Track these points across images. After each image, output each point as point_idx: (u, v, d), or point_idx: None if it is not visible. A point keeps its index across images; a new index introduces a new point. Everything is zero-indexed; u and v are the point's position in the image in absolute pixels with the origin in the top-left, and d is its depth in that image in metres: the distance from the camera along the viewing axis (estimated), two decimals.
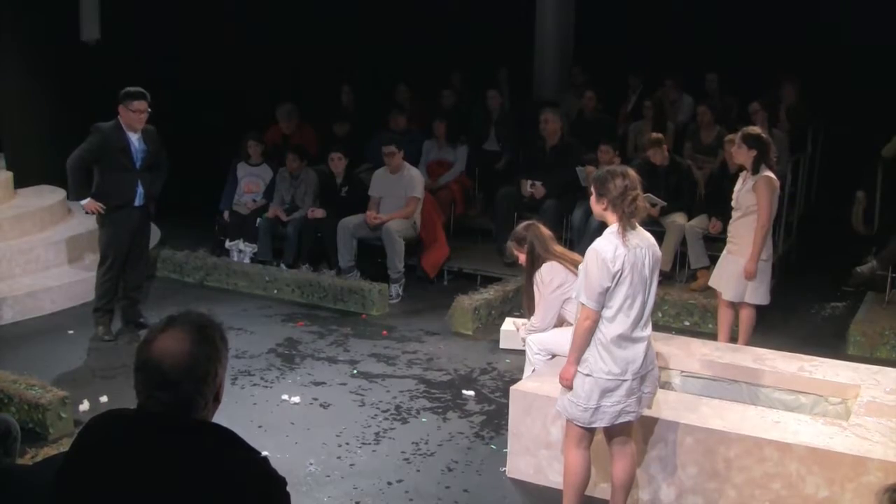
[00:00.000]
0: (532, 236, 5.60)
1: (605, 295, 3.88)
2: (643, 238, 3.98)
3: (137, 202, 6.71)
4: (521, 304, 6.14)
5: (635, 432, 4.46)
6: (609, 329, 3.92)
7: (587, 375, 3.97)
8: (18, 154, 9.31)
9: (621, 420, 4.03)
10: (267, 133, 9.77)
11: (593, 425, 4.05)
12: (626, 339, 3.93)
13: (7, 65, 9.28)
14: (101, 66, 9.48)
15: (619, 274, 3.85)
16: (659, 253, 4.05)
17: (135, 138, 6.61)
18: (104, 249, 6.81)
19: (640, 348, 3.97)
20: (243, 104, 10.77)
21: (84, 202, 6.63)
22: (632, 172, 3.99)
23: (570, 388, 4.02)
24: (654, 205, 7.98)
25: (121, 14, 10.09)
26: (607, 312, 3.92)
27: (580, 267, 4.02)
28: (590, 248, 3.93)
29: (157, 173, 6.85)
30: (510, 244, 5.81)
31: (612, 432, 4.19)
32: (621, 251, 3.85)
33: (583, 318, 3.94)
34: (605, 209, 3.96)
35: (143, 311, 7.20)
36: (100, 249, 6.88)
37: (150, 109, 6.53)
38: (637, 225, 3.99)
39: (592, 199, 4.03)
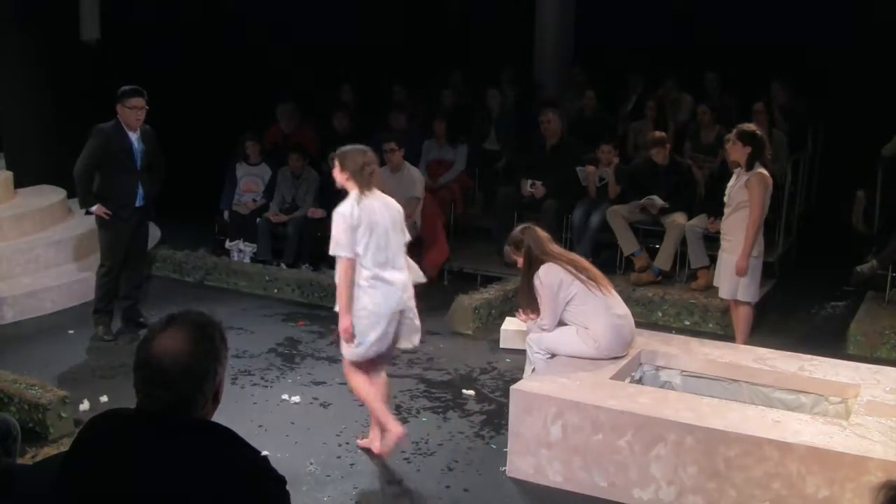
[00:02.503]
0: (529, 239, 5.58)
1: (351, 242, 4.66)
2: (381, 199, 4.83)
3: (138, 203, 6.69)
4: (519, 304, 6.13)
5: (635, 432, 4.47)
6: (363, 272, 4.72)
7: (356, 316, 4.76)
8: (18, 154, 9.30)
9: (379, 353, 4.89)
10: (267, 133, 9.76)
11: (365, 358, 4.88)
12: (378, 279, 4.74)
13: (7, 65, 9.27)
14: (101, 66, 9.48)
15: (358, 226, 4.67)
16: (396, 206, 4.90)
17: (134, 138, 6.59)
18: (104, 251, 6.79)
19: (393, 290, 4.77)
20: (243, 104, 10.77)
21: (93, 209, 6.61)
22: (370, 153, 4.83)
23: (350, 339, 4.78)
24: (654, 204, 7.98)
25: (121, 14, 10.09)
26: (361, 260, 4.70)
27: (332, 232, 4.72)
28: (333, 213, 4.76)
29: (155, 176, 6.81)
30: (507, 248, 5.80)
31: (374, 367, 4.97)
32: (356, 210, 4.70)
33: (343, 270, 4.72)
34: (347, 180, 4.78)
35: (143, 310, 7.19)
36: (100, 251, 6.87)
37: (147, 107, 6.50)
38: (375, 191, 4.80)
39: (336, 170, 4.83)
